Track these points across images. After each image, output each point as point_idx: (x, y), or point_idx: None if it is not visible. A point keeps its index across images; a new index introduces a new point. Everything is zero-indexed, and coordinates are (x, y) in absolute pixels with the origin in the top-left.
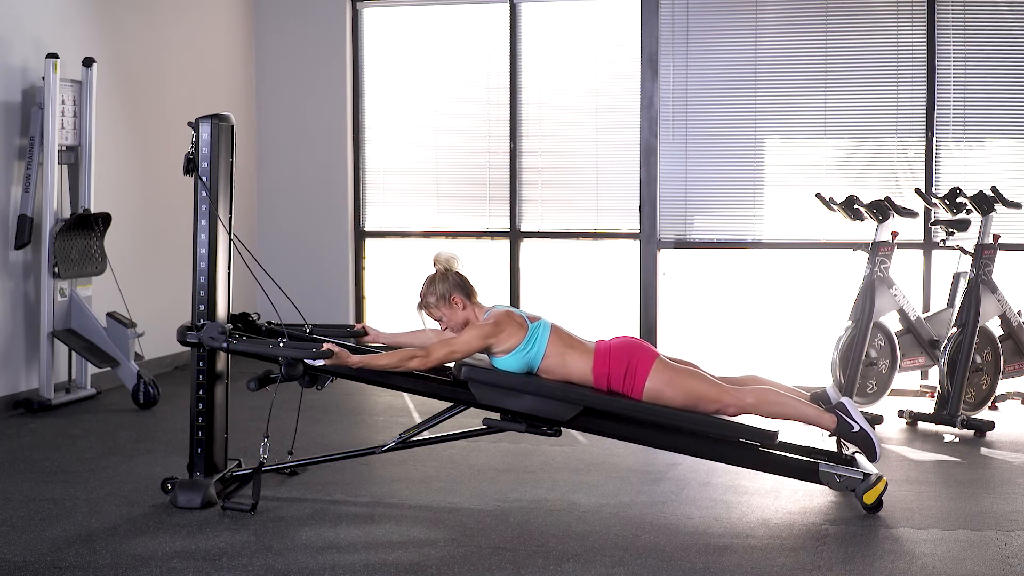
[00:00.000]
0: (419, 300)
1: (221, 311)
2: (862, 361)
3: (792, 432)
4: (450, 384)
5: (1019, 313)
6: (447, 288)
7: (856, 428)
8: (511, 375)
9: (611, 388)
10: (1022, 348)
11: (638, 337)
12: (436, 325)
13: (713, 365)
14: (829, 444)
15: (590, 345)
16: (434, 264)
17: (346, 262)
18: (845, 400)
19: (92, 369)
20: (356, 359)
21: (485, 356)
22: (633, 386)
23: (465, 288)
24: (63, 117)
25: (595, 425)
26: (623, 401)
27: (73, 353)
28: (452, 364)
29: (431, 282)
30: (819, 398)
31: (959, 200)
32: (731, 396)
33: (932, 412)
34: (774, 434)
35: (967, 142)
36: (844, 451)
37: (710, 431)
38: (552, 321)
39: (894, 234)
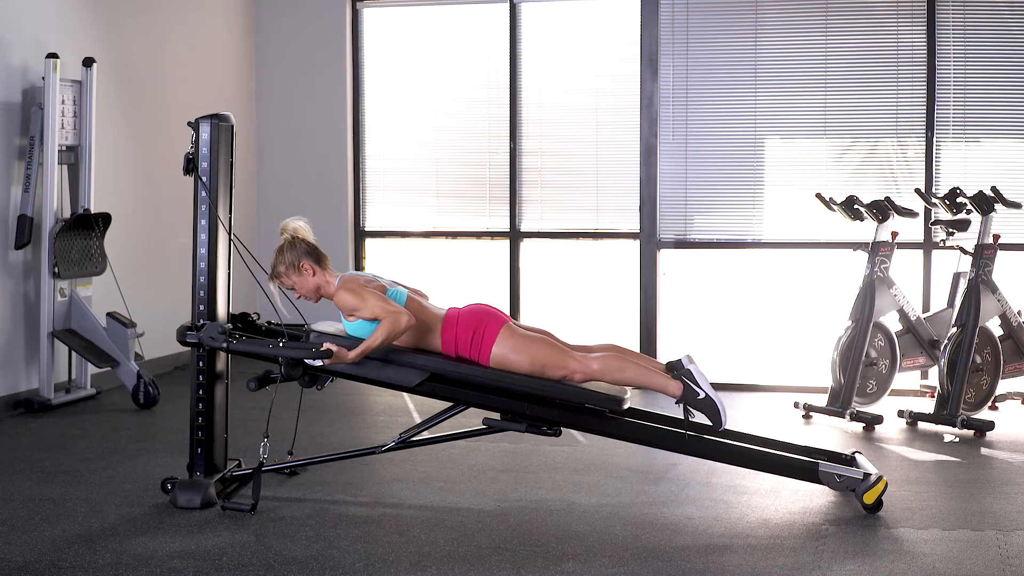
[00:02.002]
0: (270, 271)
1: (221, 311)
2: (862, 361)
3: (792, 432)
4: (445, 383)
5: (1019, 313)
6: (296, 256)
7: (702, 395)
8: (359, 341)
9: (459, 354)
10: (1022, 348)
11: (492, 305)
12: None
13: (713, 364)
14: (677, 412)
15: (441, 312)
16: (281, 233)
17: (346, 262)
18: (692, 367)
19: (92, 369)
20: (354, 352)
21: (340, 325)
22: (480, 352)
23: (314, 254)
24: (63, 117)
25: (443, 392)
26: (470, 367)
27: (73, 353)
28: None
29: (280, 251)
30: (673, 367)
31: (959, 200)
32: (577, 362)
33: (932, 412)
34: (620, 400)
35: (967, 142)
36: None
37: (556, 396)
38: (406, 290)
39: (894, 234)
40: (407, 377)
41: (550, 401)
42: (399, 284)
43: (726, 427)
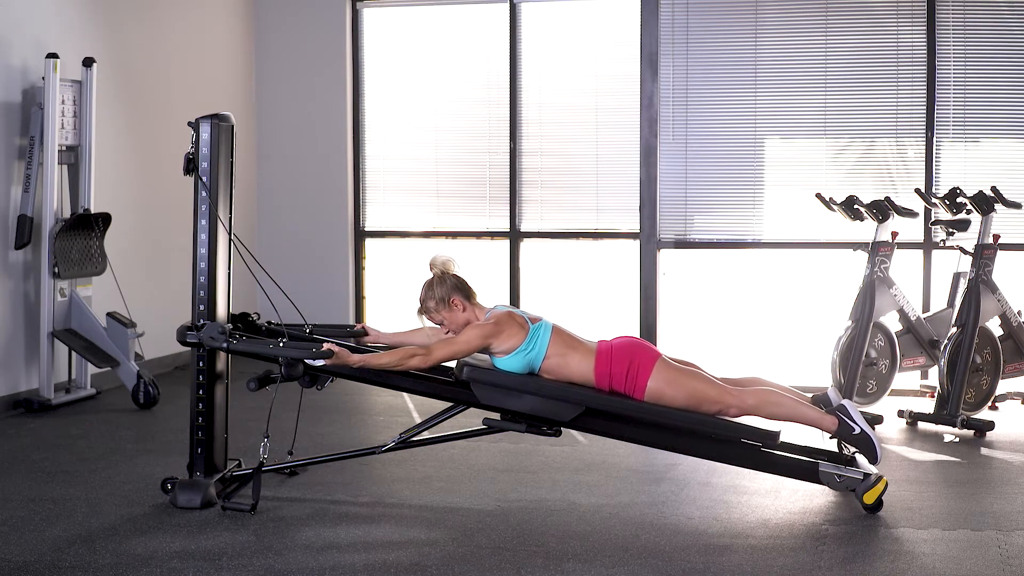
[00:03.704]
0: (419, 305)
1: (221, 311)
2: (862, 361)
3: (792, 432)
4: (451, 384)
5: (1019, 313)
6: (446, 291)
7: (857, 430)
8: (512, 375)
9: (613, 388)
10: (1022, 348)
11: (639, 337)
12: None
13: (713, 365)
14: (830, 446)
15: (592, 345)
16: (431, 268)
17: (346, 262)
18: (846, 402)
19: (92, 369)
20: (356, 359)
21: (486, 357)
22: (635, 386)
23: (464, 290)
24: (63, 117)
25: (597, 425)
26: (625, 401)
27: (73, 353)
28: (454, 364)
29: (429, 286)
30: (820, 400)
31: (959, 200)
32: (733, 397)
33: (932, 412)
34: (776, 434)
35: (967, 142)
36: (845, 451)
37: (712, 432)
38: (553, 322)
39: (894, 234)
40: (562, 411)
41: (708, 437)
42: (543, 318)
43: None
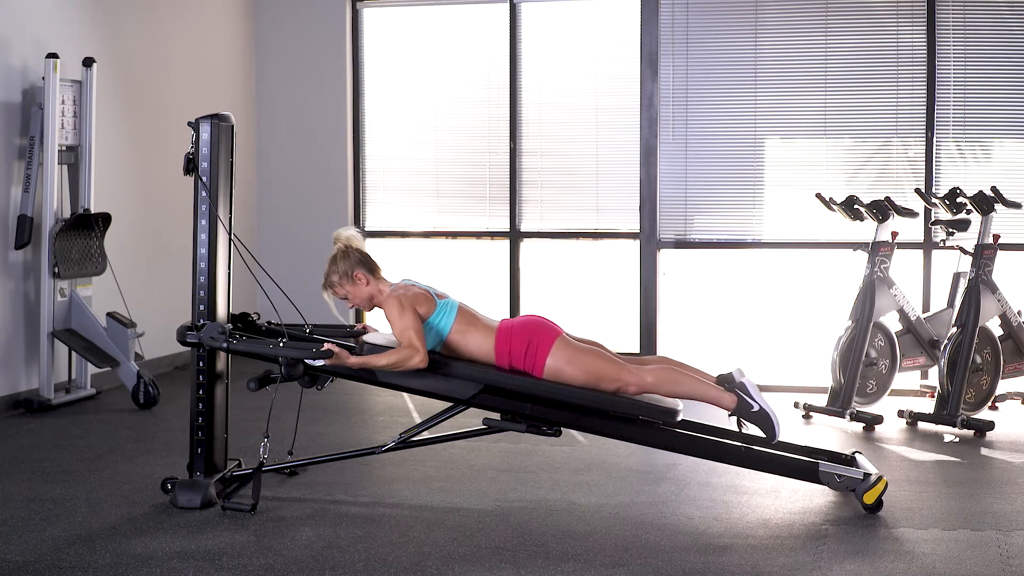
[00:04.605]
0: (323, 280)
1: (221, 311)
2: (862, 361)
3: (792, 432)
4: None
5: (1019, 313)
6: (349, 265)
7: (756, 408)
8: None
9: (512, 366)
10: (1022, 348)
11: (546, 317)
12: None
13: (713, 365)
14: (731, 424)
15: (494, 324)
16: (334, 243)
17: None
18: (747, 380)
19: (92, 369)
20: (356, 359)
21: (392, 336)
22: (534, 364)
23: (367, 264)
24: (63, 117)
25: (497, 403)
26: (523, 379)
27: (73, 353)
28: (356, 344)
29: (333, 261)
30: (725, 379)
31: (959, 200)
32: (631, 375)
33: (932, 412)
34: (675, 412)
35: (967, 142)
36: (743, 428)
37: (610, 409)
38: (459, 301)
39: (894, 234)
40: (460, 389)
41: (604, 413)
42: (450, 296)
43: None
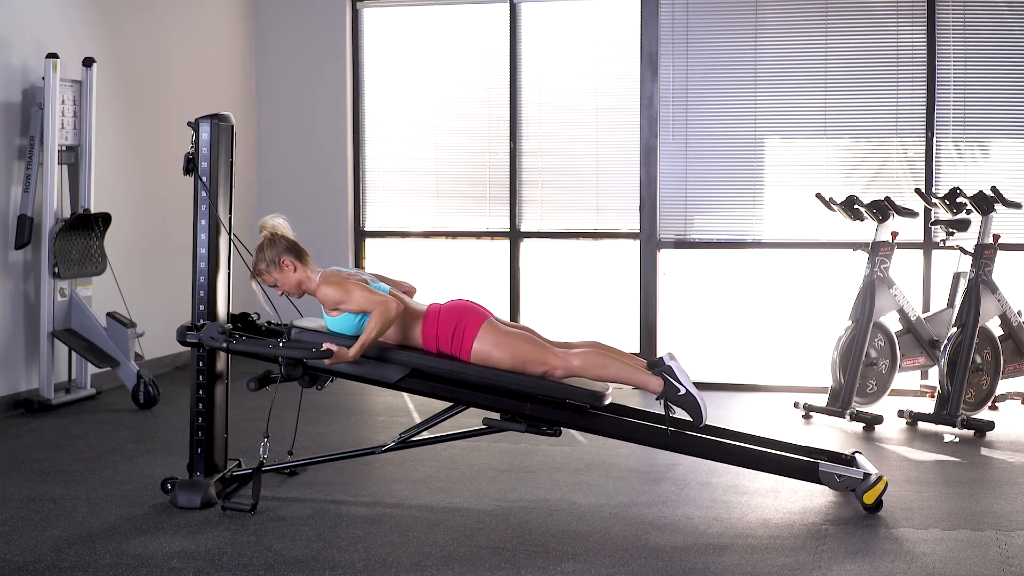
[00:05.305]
0: (251, 270)
1: (221, 311)
2: (862, 361)
3: (792, 432)
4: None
5: (1019, 313)
6: (276, 253)
7: (683, 391)
8: (341, 336)
9: (440, 350)
10: (1022, 348)
11: (473, 300)
12: (273, 296)
13: (713, 364)
14: (658, 407)
15: (421, 308)
16: (260, 231)
17: (346, 262)
18: (674, 364)
19: (92, 369)
20: (354, 350)
21: (321, 321)
22: (461, 348)
23: (295, 251)
24: (63, 117)
25: (424, 387)
26: (449, 363)
27: (73, 353)
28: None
29: (260, 249)
30: (654, 364)
31: (959, 200)
32: (558, 359)
33: (932, 412)
34: (601, 395)
35: (967, 142)
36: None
37: (536, 392)
38: (387, 284)
39: (894, 234)
40: (387, 373)
41: (531, 396)
42: (380, 279)
43: (707, 423)
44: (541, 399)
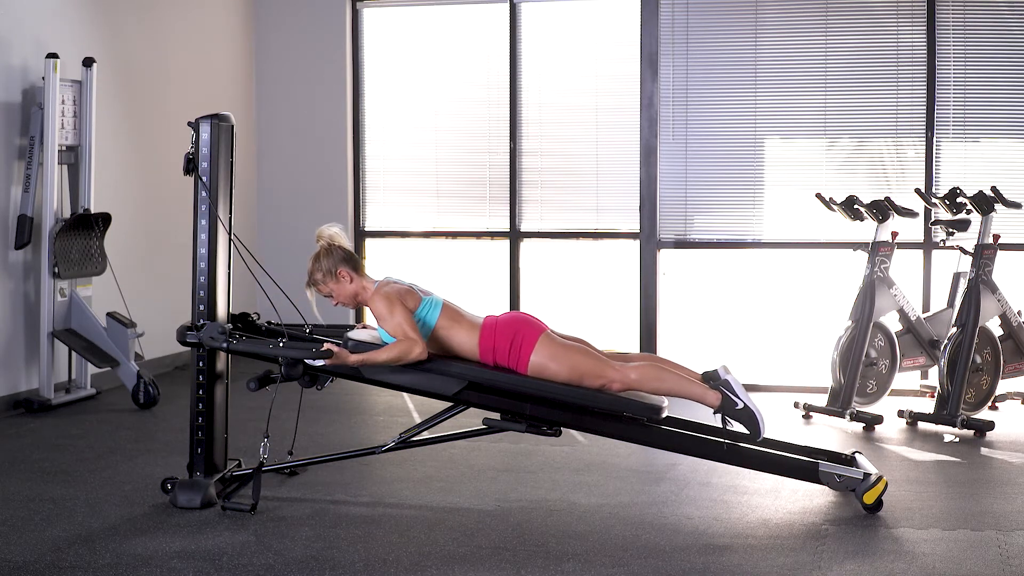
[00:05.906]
0: (306, 278)
1: (221, 311)
2: (862, 361)
3: (792, 432)
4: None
5: (1019, 313)
6: (333, 263)
7: (740, 405)
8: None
9: (497, 363)
10: (1022, 348)
11: (529, 313)
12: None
13: (713, 365)
14: (716, 420)
15: (478, 320)
16: (317, 240)
17: None
18: (731, 378)
19: (92, 369)
20: (356, 357)
21: (376, 332)
22: (519, 360)
23: (351, 261)
24: (63, 117)
25: (482, 400)
26: (508, 375)
27: (73, 353)
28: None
29: (316, 258)
30: (710, 377)
31: (959, 200)
32: (615, 371)
33: (932, 412)
34: (659, 408)
35: (967, 142)
36: (731, 425)
37: (593, 406)
38: (444, 299)
39: (894, 234)
40: (445, 385)
41: (588, 410)
42: (434, 294)
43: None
44: (598, 412)
